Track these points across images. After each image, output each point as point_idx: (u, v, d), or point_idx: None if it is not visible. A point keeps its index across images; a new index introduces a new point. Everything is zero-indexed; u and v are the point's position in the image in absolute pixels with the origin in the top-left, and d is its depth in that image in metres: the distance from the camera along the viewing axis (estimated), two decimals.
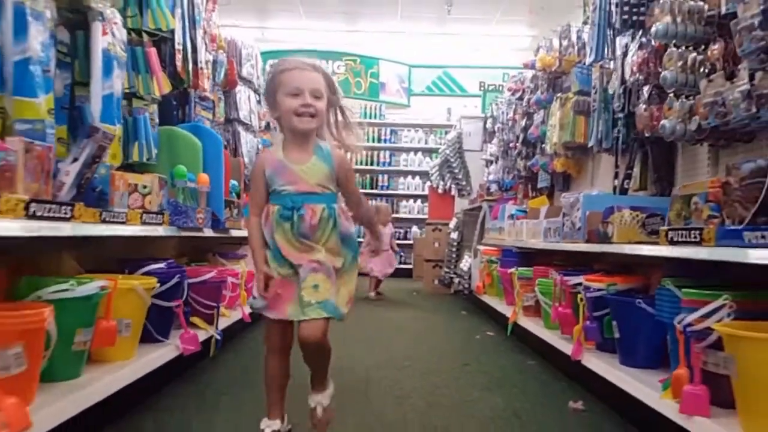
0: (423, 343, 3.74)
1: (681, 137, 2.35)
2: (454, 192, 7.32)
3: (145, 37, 2.48)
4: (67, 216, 1.59)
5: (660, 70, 2.47)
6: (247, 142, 4.18)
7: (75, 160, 1.61)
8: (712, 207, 1.76)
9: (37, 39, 1.70)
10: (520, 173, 5.12)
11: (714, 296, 1.68)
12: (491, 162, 6.46)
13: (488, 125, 6.68)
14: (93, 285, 1.67)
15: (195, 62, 2.86)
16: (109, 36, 2.02)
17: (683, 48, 2.36)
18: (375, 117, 9.72)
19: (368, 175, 9.56)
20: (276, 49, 8.02)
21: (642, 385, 1.97)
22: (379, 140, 9.75)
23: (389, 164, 9.65)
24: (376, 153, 9.70)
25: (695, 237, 1.78)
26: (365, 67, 9.51)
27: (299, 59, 1.77)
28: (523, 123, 4.89)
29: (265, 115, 4.51)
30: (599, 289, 2.42)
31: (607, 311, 2.37)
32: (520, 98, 5.10)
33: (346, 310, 1.76)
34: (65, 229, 1.56)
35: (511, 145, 5.36)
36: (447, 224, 6.98)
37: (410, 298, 6.19)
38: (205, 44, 3.08)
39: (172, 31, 2.62)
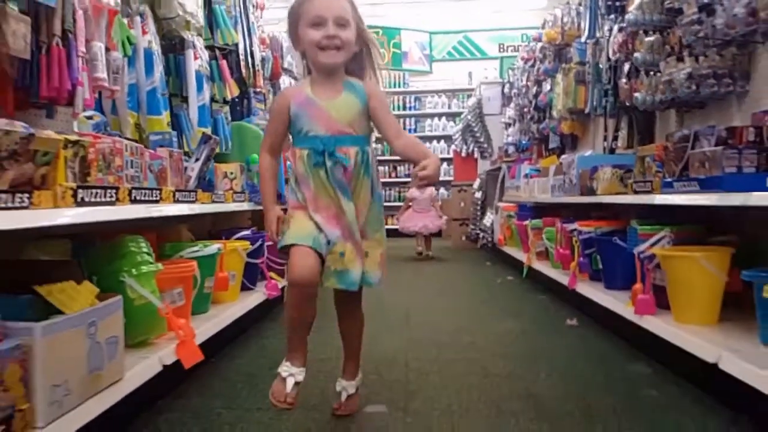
0: (452, 287, 4.42)
1: (650, 106, 2.92)
2: (476, 155, 7.88)
3: (217, 52, 3.13)
4: (193, 200, 2.28)
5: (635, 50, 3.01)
6: None
7: (197, 159, 2.30)
8: (657, 165, 2.35)
9: (157, 71, 2.37)
10: (534, 135, 5.66)
11: (658, 230, 2.29)
12: (510, 125, 6.98)
13: (506, 90, 7.17)
14: (213, 247, 2.37)
15: (254, 66, 3.50)
16: (199, 60, 2.67)
17: (651, 33, 2.90)
18: (399, 86, 10.23)
19: None
20: None
21: (616, 301, 2.60)
22: (404, 108, 10.27)
23: (415, 131, 10.18)
24: (401, 120, 10.23)
25: (648, 187, 2.39)
26: (388, 37, 9.97)
27: None
28: (534, 90, 5.41)
29: None
30: (588, 232, 3.04)
31: (594, 249, 3.00)
32: (533, 65, 5.60)
33: (377, 274, 1.65)
34: (194, 209, 2.26)
35: (525, 109, 5.89)
36: (471, 185, 7.58)
37: (441, 253, 6.85)
38: (259, 47, 3.71)
39: (236, 44, 3.26)
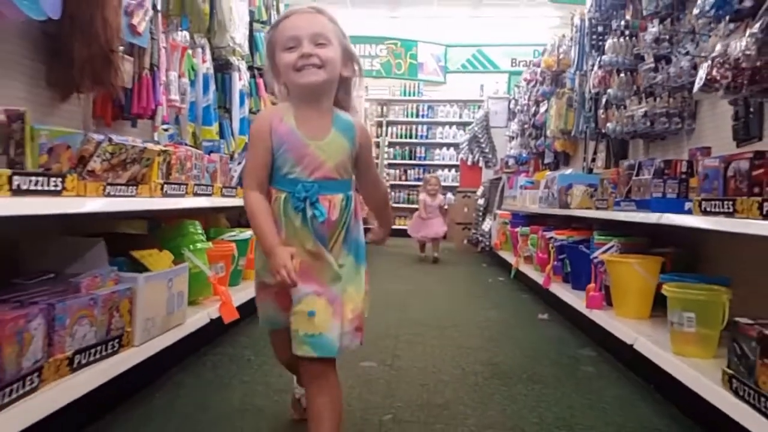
0: (447, 283, 4.95)
1: (619, 135, 3.43)
2: (481, 164, 8.39)
3: (255, 72, 3.68)
4: (233, 195, 2.83)
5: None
6: None
7: (239, 163, 2.85)
8: (612, 186, 2.87)
9: (211, 91, 2.93)
10: (532, 150, 6.18)
11: (609, 240, 2.81)
12: (513, 138, 7.49)
13: (511, 105, 7.69)
14: (247, 233, 2.93)
15: None
16: (243, 80, 3.23)
17: (622, 72, 3.41)
18: (414, 94, 10.77)
19: (407, 147, 10.68)
20: None
21: (577, 299, 3.11)
22: (417, 115, 10.81)
23: (426, 137, 10.72)
24: (414, 127, 10.77)
25: (605, 205, 2.91)
26: (405, 49, 10.51)
27: (298, 6, 1.40)
28: (533, 109, 5.93)
29: None
30: (561, 240, 3.56)
31: (565, 255, 3.52)
32: (534, 86, 6.11)
33: (352, 337, 1.39)
34: (235, 202, 2.81)
35: (525, 125, 6.40)
36: (475, 192, 8.09)
37: (443, 255, 7.32)
38: None
39: None
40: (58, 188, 1.47)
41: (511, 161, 6.93)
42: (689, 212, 1.98)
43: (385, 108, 10.73)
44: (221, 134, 3.18)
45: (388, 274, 5.21)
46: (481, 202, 7.71)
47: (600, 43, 3.85)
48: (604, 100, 3.73)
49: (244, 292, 2.87)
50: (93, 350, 1.60)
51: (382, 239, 1.64)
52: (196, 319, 2.22)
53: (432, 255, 6.51)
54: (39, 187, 1.40)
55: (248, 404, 1.91)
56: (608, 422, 1.86)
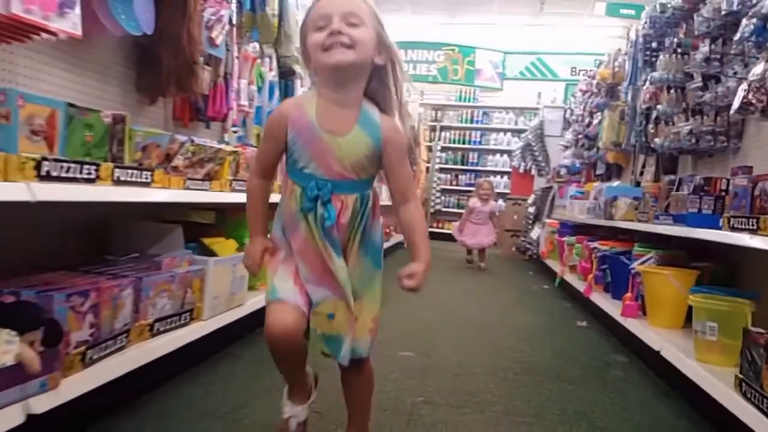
0: (490, 289, 5.08)
1: (666, 150, 3.48)
2: (534, 172, 8.43)
3: None
4: None
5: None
6: None
7: None
8: (653, 200, 2.95)
9: (275, 97, 3.20)
10: (585, 161, 6.20)
11: (647, 252, 2.90)
12: (567, 147, 7.50)
13: (567, 115, 7.70)
14: None
15: None
16: (305, 87, 3.49)
17: (671, 89, 3.46)
18: (469, 100, 10.86)
19: (460, 152, 10.79)
20: None
21: (615, 308, 3.20)
22: (472, 121, 10.89)
23: (479, 143, 10.79)
24: (468, 132, 10.86)
25: (646, 218, 2.99)
26: (463, 55, 10.64)
27: None
28: (587, 120, 5.96)
29: None
30: (604, 250, 3.64)
31: (606, 265, 3.59)
32: (589, 97, 6.14)
33: (366, 342, 1.37)
34: None
35: (579, 135, 6.43)
36: (525, 199, 8.14)
37: (489, 261, 7.39)
38: None
39: None
40: (148, 180, 1.74)
41: (563, 171, 6.95)
42: (720, 228, 2.08)
43: (439, 113, 10.87)
44: None
45: (432, 277, 5.37)
46: (531, 210, 7.75)
47: (653, 59, 3.89)
48: (654, 116, 3.79)
49: None
50: (169, 320, 1.87)
51: (418, 282, 1.32)
52: (254, 302, 2.48)
53: (477, 263, 6.35)
54: (134, 179, 1.67)
55: None
56: (626, 418, 1.98)
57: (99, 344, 1.56)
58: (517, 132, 10.57)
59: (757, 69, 2.12)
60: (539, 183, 8.15)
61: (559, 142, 7.91)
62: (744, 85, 2.15)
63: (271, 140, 1.36)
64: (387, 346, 2.62)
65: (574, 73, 10.38)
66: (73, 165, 1.40)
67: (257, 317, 2.60)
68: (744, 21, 2.23)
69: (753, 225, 1.81)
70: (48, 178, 1.33)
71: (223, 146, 2.07)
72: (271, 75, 3.12)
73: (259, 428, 1.71)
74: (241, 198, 2.34)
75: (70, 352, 1.46)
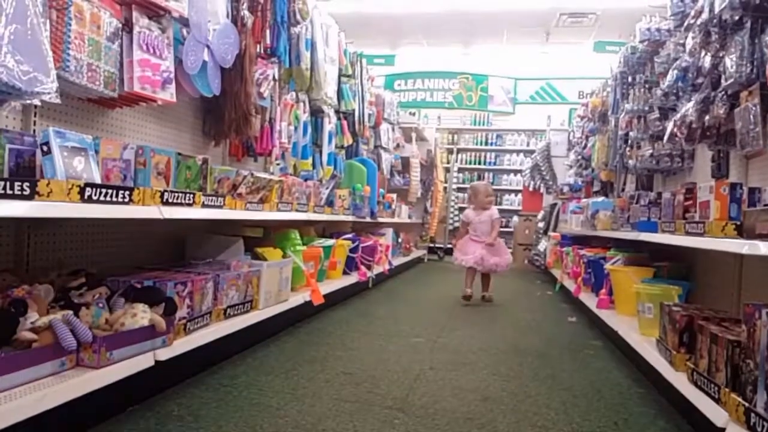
0: (497, 295, 5.65)
1: (637, 170, 4.08)
2: (542, 190, 9.01)
3: (341, 114, 4.66)
4: (322, 212, 3.77)
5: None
6: (385, 160, 6.34)
7: (326, 188, 3.80)
8: (620, 212, 3.55)
9: (308, 134, 3.90)
10: (584, 179, 6.79)
11: (617, 254, 3.49)
12: (570, 167, 8.08)
13: (570, 137, 8.30)
14: (330, 241, 3.85)
15: (363, 122, 5.02)
16: (331, 124, 4.20)
17: (642, 118, 4.07)
18: (483, 124, 11.53)
19: (476, 173, 11.42)
20: (403, 71, 10.42)
21: (593, 303, 3.78)
22: (486, 143, 11.55)
23: (494, 164, 11.42)
24: (483, 154, 11.51)
25: (615, 227, 3.60)
26: (476, 82, 11.31)
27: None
28: (583, 142, 6.56)
29: (397, 139, 6.64)
30: (589, 256, 4.22)
31: (591, 268, 4.18)
32: (586, 122, 6.74)
33: None
34: (322, 217, 3.74)
35: (579, 156, 7.02)
36: (536, 215, 8.71)
37: (503, 273, 8.03)
38: (367, 108, 5.23)
39: (353, 109, 4.79)
40: (221, 204, 2.42)
41: (566, 188, 7.54)
42: (656, 231, 2.68)
43: (456, 136, 11.56)
44: (314, 165, 4.15)
45: (443, 283, 5.99)
46: (540, 225, 8.31)
47: (629, 91, 4.51)
48: (629, 140, 4.39)
49: (327, 286, 3.80)
50: (236, 307, 2.54)
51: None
52: (296, 299, 3.14)
53: (483, 294, 4.82)
54: (213, 203, 2.35)
55: (330, 355, 2.79)
56: (584, 378, 2.58)
57: (193, 319, 2.24)
58: (529, 152, 11.16)
59: (682, 109, 2.74)
60: (547, 200, 8.73)
61: (564, 162, 8.50)
62: (672, 121, 2.76)
63: None
64: (403, 332, 3.25)
65: (581, 97, 10.98)
66: (180, 194, 2.09)
67: (298, 312, 3.26)
68: (670, 72, 2.84)
69: (671, 228, 2.42)
70: (168, 203, 2.01)
71: (273, 177, 2.76)
72: (305, 116, 3.83)
73: (305, 381, 2.35)
74: (284, 216, 3.04)
75: (175, 324, 2.13)
